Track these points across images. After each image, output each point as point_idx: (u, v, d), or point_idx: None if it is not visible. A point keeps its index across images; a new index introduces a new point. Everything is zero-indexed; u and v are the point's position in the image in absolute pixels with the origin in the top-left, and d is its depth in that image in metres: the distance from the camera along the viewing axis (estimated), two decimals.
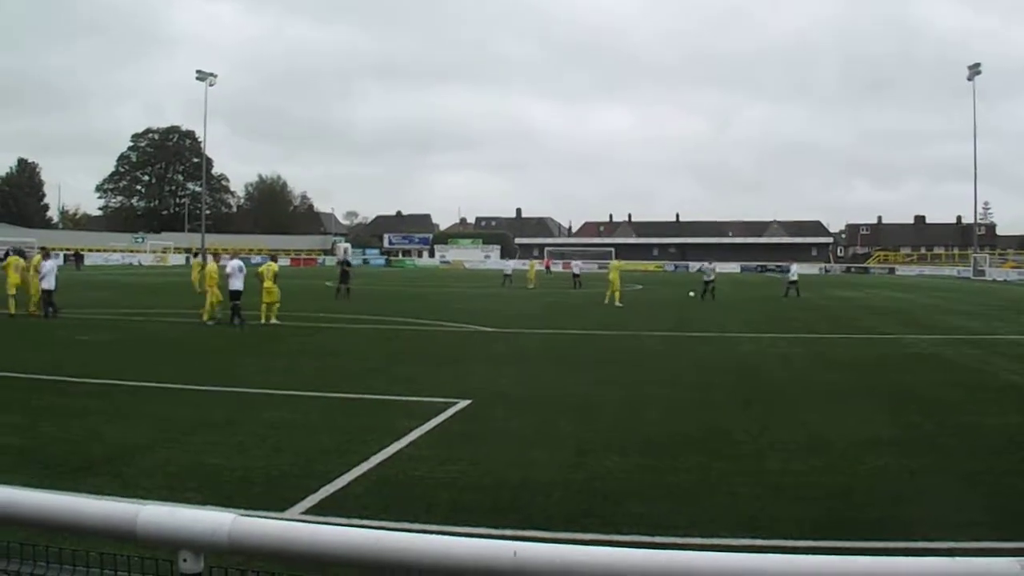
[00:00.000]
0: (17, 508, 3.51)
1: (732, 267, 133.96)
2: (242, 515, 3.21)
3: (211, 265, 33.12)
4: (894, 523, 9.09)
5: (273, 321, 31.23)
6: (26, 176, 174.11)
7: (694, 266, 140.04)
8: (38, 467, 10.90)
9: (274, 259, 34.55)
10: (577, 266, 73.09)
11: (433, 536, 2.97)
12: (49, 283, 33.30)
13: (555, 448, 12.42)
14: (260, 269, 32.41)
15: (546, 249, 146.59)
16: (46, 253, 35.95)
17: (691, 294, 52.24)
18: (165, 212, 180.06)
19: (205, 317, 31.47)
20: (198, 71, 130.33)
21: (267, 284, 31.49)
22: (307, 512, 9.21)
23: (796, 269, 60.53)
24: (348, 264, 50.40)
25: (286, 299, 31.20)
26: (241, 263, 31.67)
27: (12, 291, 33.63)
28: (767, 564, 2.73)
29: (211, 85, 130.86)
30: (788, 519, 9.16)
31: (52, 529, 3.49)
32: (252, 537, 3.16)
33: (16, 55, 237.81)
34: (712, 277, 51.44)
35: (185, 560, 3.24)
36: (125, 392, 17.04)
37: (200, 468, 11.08)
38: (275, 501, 9.50)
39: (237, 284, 30.67)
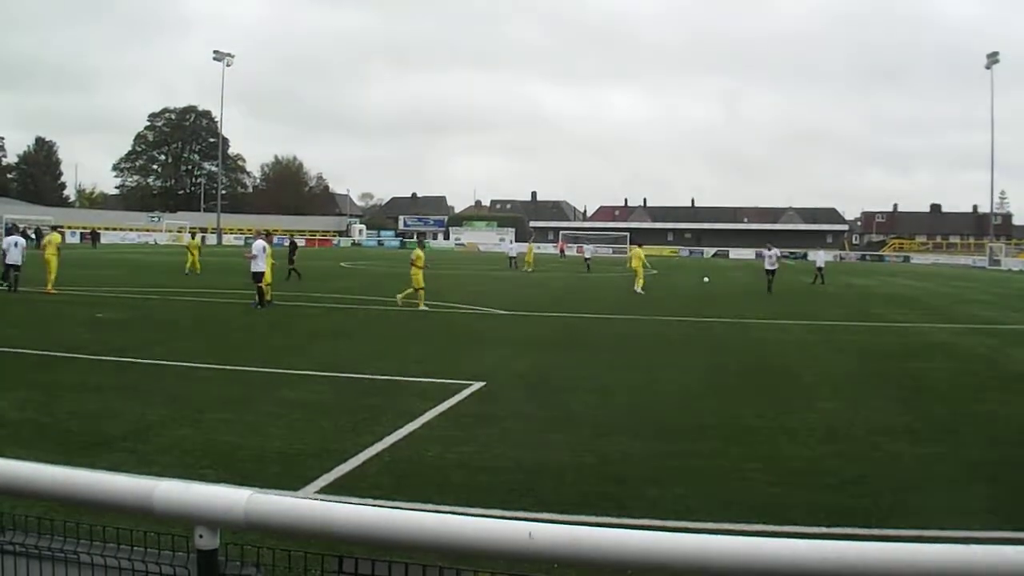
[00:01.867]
0: (37, 483, 3.52)
1: (747, 253, 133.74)
2: (258, 492, 3.22)
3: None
4: (907, 511, 9.09)
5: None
6: (43, 154, 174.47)
7: (709, 251, 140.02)
8: (55, 443, 10.98)
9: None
10: (589, 250, 73.13)
11: (448, 516, 2.97)
12: (12, 258, 34.34)
13: (569, 431, 12.44)
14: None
15: (561, 233, 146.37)
16: (10, 229, 36.47)
17: (705, 280, 52.14)
18: (181, 192, 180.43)
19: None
20: (215, 51, 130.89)
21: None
22: (321, 491, 9.24)
23: (823, 256, 60.37)
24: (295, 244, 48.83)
25: (300, 279, 31.05)
26: (265, 244, 31.26)
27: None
28: (781, 549, 2.73)
29: (228, 65, 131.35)
30: (801, 505, 9.16)
31: (70, 504, 3.50)
32: (268, 514, 3.16)
33: (34, 34, 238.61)
34: (775, 265, 47.31)
35: (201, 536, 3.25)
36: (140, 370, 17.14)
37: (215, 446, 11.14)
38: (290, 480, 9.53)
39: (260, 265, 30.24)
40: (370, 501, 8.39)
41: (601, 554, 2.77)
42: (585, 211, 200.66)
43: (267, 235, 33.84)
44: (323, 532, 3.08)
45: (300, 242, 37.39)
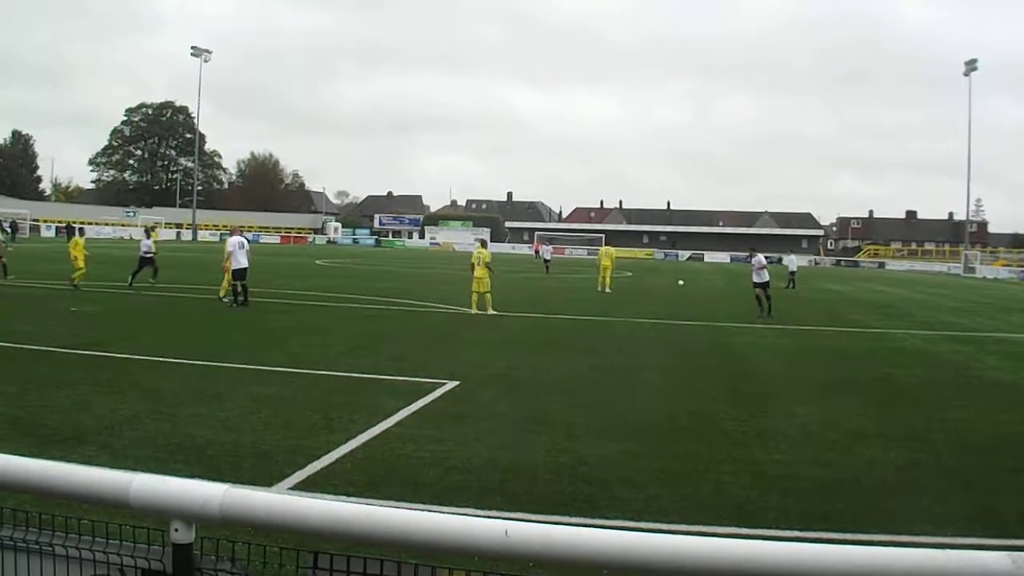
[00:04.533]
0: (13, 475, 3.51)
1: (722, 257, 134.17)
2: (234, 487, 3.22)
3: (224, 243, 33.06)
4: (881, 516, 9.12)
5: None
6: (20, 148, 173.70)
7: (684, 255, 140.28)
8: (27, 436, 10.94)
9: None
10: (547, 250, 73.16)
11: (424, 513, 2.97)
12: None
13: (543, 431, 12.45)
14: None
15: (536, 233, 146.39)
16: None
17: (680, 283, 52.32)
18: (157, 187, 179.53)
19: (221, 294, 31.18)
20: (193, 47, 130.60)
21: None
22: (295, 487, 9.24)
23: (796, 260, 60.64)
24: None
25: (274, 276, 30.98)
26: (243, 239, 31.00)
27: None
28: (758, 551, 2.74)
29: (206, 62, 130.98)
30: (776, 509, 9.21)
31: (46, 496, 3.49)
32: (244, 509, 3.16)
33: (9, 28, 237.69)
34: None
35: (176, 530, 3.24)
36: (114, 364, 17.07)
37: (188, 441, 11.12)
38: (263, 476, 9.53)
39: (242, 261, 29.96)
40: (343, 498, 8.38)
41: (577, 553, 2.78)
42: (561, 212, 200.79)
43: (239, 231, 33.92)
44: (299, 527, 3.08)
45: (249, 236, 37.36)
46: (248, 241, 31.81)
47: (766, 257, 34.93)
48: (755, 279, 33.17)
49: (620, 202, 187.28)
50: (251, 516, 3.15)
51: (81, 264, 34.44)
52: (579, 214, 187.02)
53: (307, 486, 9.31)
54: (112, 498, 3.34)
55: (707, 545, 2.74)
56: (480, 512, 8.11)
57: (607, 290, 43.36)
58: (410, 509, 3.04)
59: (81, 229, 40.92)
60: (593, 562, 2.77)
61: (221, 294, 31.06)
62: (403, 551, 2.93)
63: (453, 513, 2.94)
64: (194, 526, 3.25)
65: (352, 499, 8.24)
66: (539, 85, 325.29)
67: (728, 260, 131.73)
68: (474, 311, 30.09)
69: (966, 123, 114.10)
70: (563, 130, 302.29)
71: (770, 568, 2.68)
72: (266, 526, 3.15)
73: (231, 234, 31.95)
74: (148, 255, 36.92)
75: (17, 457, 3.55)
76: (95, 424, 11.92)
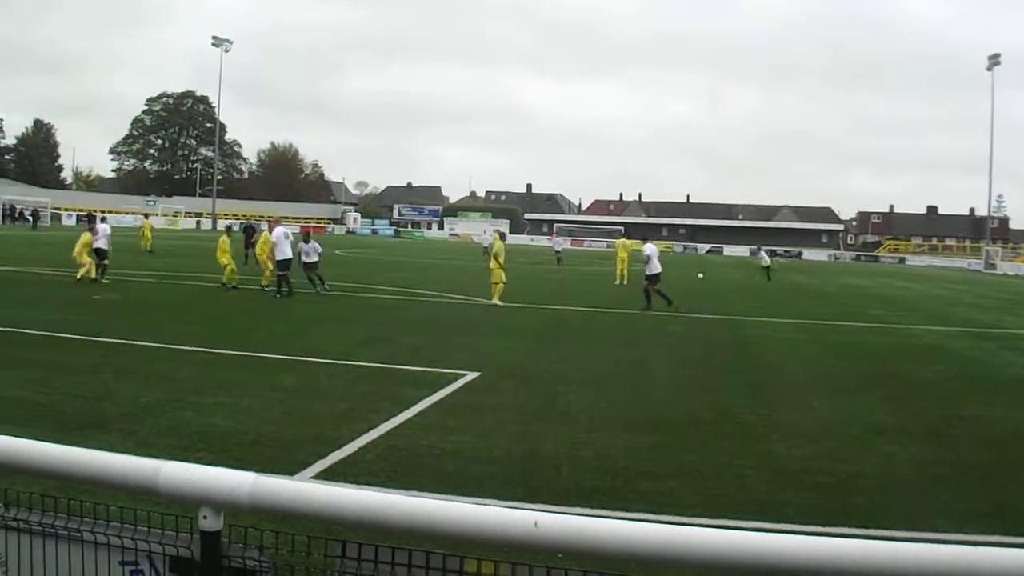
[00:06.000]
0: (42, 461, 3.54)
1: (742, 250, 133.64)
2: (263, 475, 3.24)
3: (265, 233, 32.97)
4: (900, 512, 9.11)
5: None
6: (41, 136, 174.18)
7: (703, 248, 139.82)
8: (50, 422, 10.99)
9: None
10: (559, 242, 73.01)
11: (453, 503, 2.98)
12: None
13: (564, 423, 12.47)
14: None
15: (555, 225, 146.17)
16: None
17: (700, 276, 52.21)
18: (177, 176, 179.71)
19: (264, 283, 31.31)
20: (214, 37, 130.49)
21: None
22: (316, 477, 9.26)
23: (766, 256, 60.44)
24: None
25: (293, 267, 30.88)
26: (286, 230, 31.15)
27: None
28: (785, 545, 2.74)
29: (227, 51, 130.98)
30: (796, 503, 9.18)
31: (76, 482, 3.52)
32: (273, 497, 3.17)
33: (33, 17, 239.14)
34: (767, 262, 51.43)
35: (205, 517, 3.26)
36: (137, 352, 17.16)
37: (211, 430, 11.19)
38: (285, 465, 9.54)
39: (286, 252, 30.11)
40: (366, 488, 8.40)
41: (608, 545, 2.78)
42: (580, 204, 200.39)
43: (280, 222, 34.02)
44: (328, 516, 3.10)
45: (263, 227, 36.92)
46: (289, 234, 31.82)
47: (785, 251, 34.50)
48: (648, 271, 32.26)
49: (639, 195, 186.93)
50: (280, 504, 3.16)
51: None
52: (598, 206, 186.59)
53: (329, 476, 9.33)
54: (141, 485, 3.36)
55: (738, 539, 2.74)
56: (503, 503, 8.12)
57: (624, 282, 43.23)
58: (436, 500, 3.04)
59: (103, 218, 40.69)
60: (623, 554, 2.78)
61: (264, 283, 31.19)
62: (431, 541, 2.94)
63: (475, 504, 2.95)
64: (223, 513, 3.26)
65: (374, 489, 8.26)
66: (558, 78, 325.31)
67: (748, 254, 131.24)
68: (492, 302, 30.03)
69: (987, 119, 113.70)
70: (582, 123, 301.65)
71: (802, 563, 2.68)
72: (295, 514, 3.16)
73: (273, 226, 32.00)
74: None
75: (46, 443, 3.58)
76: (117, 412, 11.99)
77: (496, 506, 3.07)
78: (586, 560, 2.84)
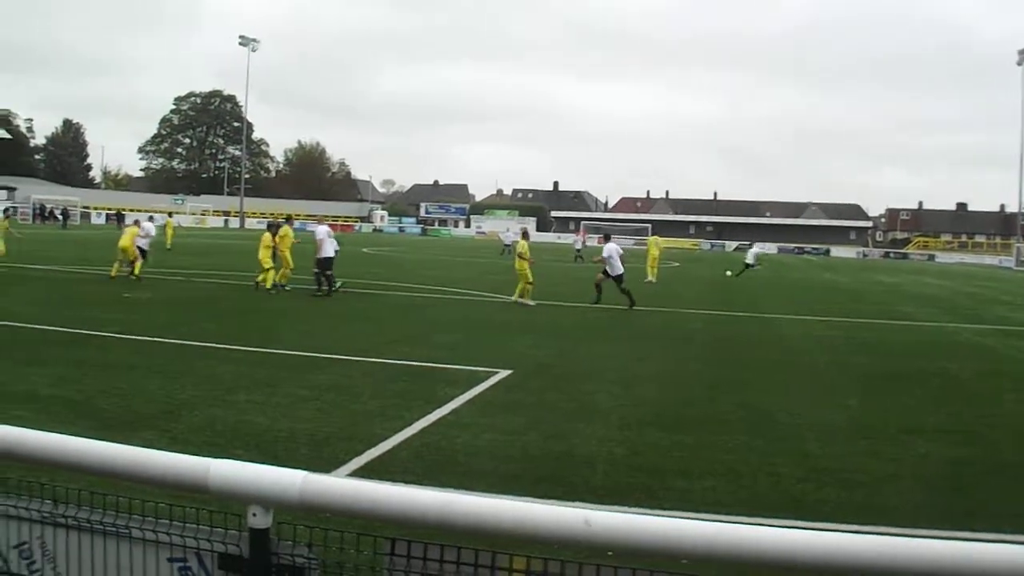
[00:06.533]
0: (91, 458, 3.56)
1: (770, 248, 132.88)
2: (313, 473, 3.24)
3: (286, 228, 32.95)
4: (937, 511, 9.05)
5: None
6: (70, 136, 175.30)
7: (730, 245, 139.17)
8: (88, 419, 11.06)
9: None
10: (579, 240, 72.71)
11: (503, 500, 2.98)
12: None
13: (597, 421, 12.45)
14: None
15: (582, 223, 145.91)
16: None
17: (728, 273, 52.07)
18: (205, 175, 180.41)
19: (273, 280, 30.65)
20: (241, 37, 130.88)
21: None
22: (353, 474, 9.26)
23: (756, 251, 59.33)
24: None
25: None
26: (329, 229, 31.05)
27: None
28: (834, 544, 2.73)
29: (254, 51, 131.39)
30: (833, 502, 9.13)
31: (125, 480, 3.54)
32: (323, 495, 3.18)
33: (61, 18, 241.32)
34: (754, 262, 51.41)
35: (255, 515, 3.27)
36: (170, 350, 17.26)
37: (246, 427, 11.24)
38: (321, 463, 9.55)
39: (328, 251, 29.97)
40: (416, 487, 8.39)
41: (659, 543, 2.77)
42: (607, 202, 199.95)
43: (288, 220, 34.03)
44: (378, 514, 3.10)
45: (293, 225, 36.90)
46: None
47: (813, 249, 34.03)
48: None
49: (666, 192, 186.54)
50: (330, 502, 3.17)
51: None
52: (625, 204, 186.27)
53: (365, 473, 9.34)
54: (191, 483, 3.38)
55: (789, 537, 2.73)
56: (542, 501, 8.11)
57: (652, 280, 43.08)
58: (487, 498, 3.04)
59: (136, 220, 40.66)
60: (675, 552, 2.77)
61: (268, 284, 30.93)
62: (481, 539, 2.94)
63: (525, 502, 2.94)
64: (272, 511, 3.27)
65: (410, 487, 8.27)
66: (585, 76, 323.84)
67: (776, 251, 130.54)
68: (521, 300, 29.83)
69: (1017, 114, 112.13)
70: (609, 121, 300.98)
71: (850, 561, 2.68)
72: (346, 512, 3.17)
73: (319, 223, 31.96)
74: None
75: (95, 440, 3.60)
76: (152, 409, 12.05)
77: (541, 504, 3.06)
78: (636, 557, 2.83)
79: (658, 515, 2.92)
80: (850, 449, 11.48)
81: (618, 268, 30.40)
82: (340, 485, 3.26)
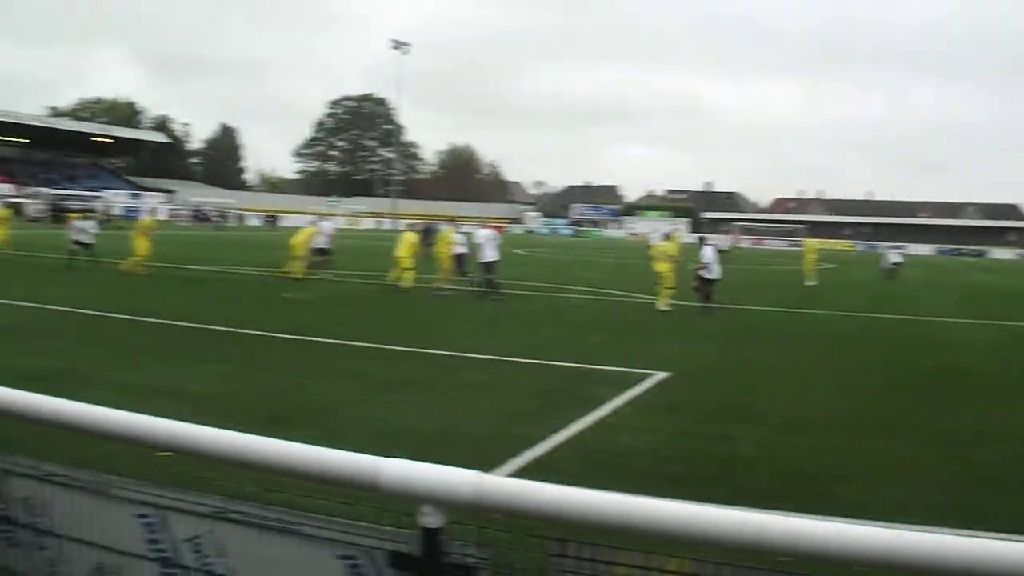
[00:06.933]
0: (264, 456, 3.60)
1: (926, 249, 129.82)
2: (487, 474, 3.22)
3: (444, 233, 33.13)
4: None
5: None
6: (227, 140, 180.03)
7: (886, 246, 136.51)
8: (245, 416, 11.19)
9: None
10: (724, 241, 71.90)
11: (679, 504, 2.92)
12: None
13: (755, 424, 12.27)
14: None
15: (735, 224, 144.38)
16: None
17: (887, 276, 51.13)
18: (357, 177, 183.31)
19: (440, 284, 30.74)
20: (393, 40, 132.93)
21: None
22: (511, 475, 9.23)
23: (894, 255, 57.37)
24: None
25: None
26: (494, 232, 31.10)
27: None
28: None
29: (405, 55, 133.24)
30: (1008, 511, 8.81)
31: (297, 477, 3.57)
32: (496, 495, 3.15)
33: (219, 26, 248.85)
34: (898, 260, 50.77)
35: (427, 514, 3.26)
36: (324, 349, 17.55)
37: (400, 426, 11.33)
38: (477, 462, 9.48)
39: (490, 254, 29.95)
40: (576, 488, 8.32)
41: (836, 549, 2.70)
42: (760, 203, 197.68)
43: (451, 222, 34.27)
44: (554, 516, 3.06)
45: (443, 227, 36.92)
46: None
47: (971, 250, 32.82)
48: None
49: (821, 192, 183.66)
50: (503, 502, 3.14)
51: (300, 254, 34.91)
52: (779, 204, 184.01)
53: (523, 474, 9.29)
54: (363, 482, 3.39)
55: (972, 545, 2.61)
56: (704, 504, 7.99)
57: (812, 283, 42.34)
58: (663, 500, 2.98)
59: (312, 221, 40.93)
60: (852, 558, 2.68)
61: (438, 286, 30.98)
62: (655, 541, 2.88)
63: (702, 506, 2.88)
64: (444, 511, 3.26)
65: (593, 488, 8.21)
66: (737, 74, 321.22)
67: (932, 252, 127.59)
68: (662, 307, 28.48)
69: None
70: (762, 120, 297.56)
71: None
72: (520, 513, 3.14)
73: (484, 229, 32.08)
74: None
75: (268, 439, 3.64)
76: (307, 407, 12.25)
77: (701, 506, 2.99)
78: (813, 562, 2.74)
79: (828, 520, 2.83)
80: (1020, 453, 11.12)
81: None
82: (515, 486, 3.23)
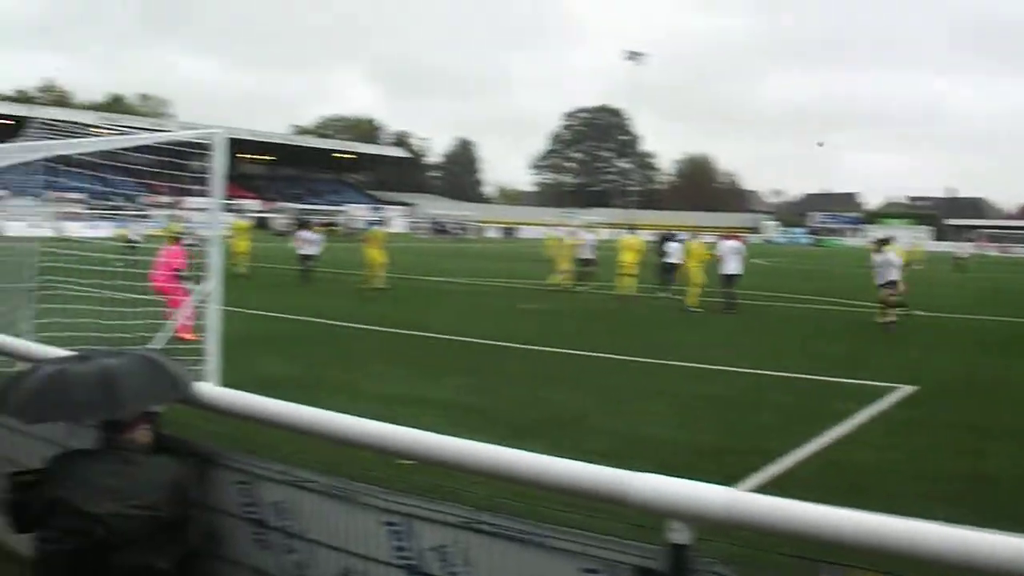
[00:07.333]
0: (512, 466, 3.62)
1: None
2: (738, 491, 3.15)
3: (695, 244, 32.66)
4: None
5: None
6: (464, 154, 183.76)
7: None
8: (487, 426, 11.34)
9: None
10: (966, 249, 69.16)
11: (968, 531, 2.81)
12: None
13: (1008, 441, 11.80)
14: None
15: (979, 230, 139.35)
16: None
17: None
18: (593, 188, 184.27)
19: (688, 302, 29.30)
20: (628, 52, 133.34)
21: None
22: (752, 490, 9.07)
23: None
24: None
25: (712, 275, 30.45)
26: (739, 245, 30.41)
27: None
28: None
29: (640, 65, 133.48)
30: None
31: (545, 489, 3.57)
32: (749, 513, 3.09)
33: (455, 44, 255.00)
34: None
35: (675, 530, 3.21)
36: (566, 360, 17.63)
37: (640, 437, 11.28)
38: (717, 476, 9.39)
39: (732, 267, 29.45)
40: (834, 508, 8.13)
41: None
42: (1007, 208, 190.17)
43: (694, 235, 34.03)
44: (812, 536, 2.98)
45: (683, 236, 36.62)
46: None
47: None
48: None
49: None
50: (757, 520, 3.08)
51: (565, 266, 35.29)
52: None
53: (766, 490, 9.08)
54: (610, 495, 3.37)
55: None
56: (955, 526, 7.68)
57: None
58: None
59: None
60: None
61: (688, 304, 29.75)
62: (918, 567, 2.77)
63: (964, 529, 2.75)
64: (693, 528, 3.21)
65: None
66: (985, 76, 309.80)
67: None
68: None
69: None
70: (1011, 122, 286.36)
71: None
72: (772, 531, 3.06)
73: (727, 239, 31.58)
74: None
75: (511, 449, 3.66)
76: (550, 418, 12.34)
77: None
78: None
79: None
80: None
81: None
82: (769, 503, 3.16)
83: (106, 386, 4.59)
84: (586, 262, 35.43)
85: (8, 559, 6.14)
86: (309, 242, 36.43)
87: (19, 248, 12.24)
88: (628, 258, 31.93)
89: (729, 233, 32.91)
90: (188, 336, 12.06)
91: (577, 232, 37.33)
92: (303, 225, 43.01)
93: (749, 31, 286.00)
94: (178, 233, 19.19)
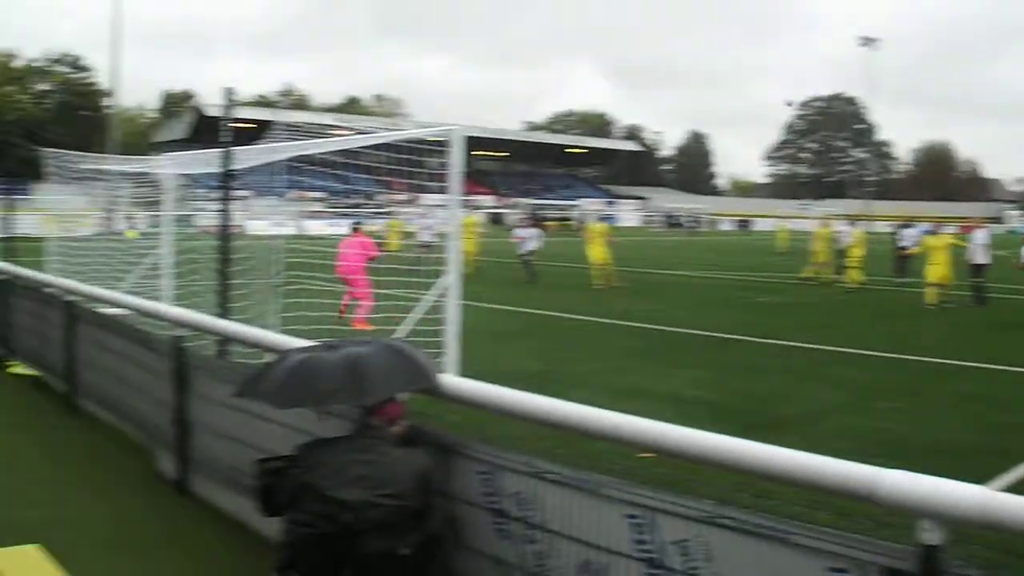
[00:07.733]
0: (755, 460, 3.61)
1: None
2: (994, 491, 3.06)
3: (939, 238, 31.25)
4: None
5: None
6: (697, 146, 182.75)
7: None
8: (727, 422, 11.21)
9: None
10: None
11: None
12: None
13: None
14: None
15: None
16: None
17: None
18: (829, 179, 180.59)
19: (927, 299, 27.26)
20: (861, 37, 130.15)
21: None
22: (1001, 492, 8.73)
23: None
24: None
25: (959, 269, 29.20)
26: (981, 233, 29.40)
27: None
28: None
29: (874, 51, 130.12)
30: None
31: (793, 484, 3.55)
32: (1007, 515, 3.00)
33: (689, 37, 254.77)
34: None
35: (927, 529, 3.15)
36: (803, 354, 17.43)
37: (885, 434, 11.03)
38: (963, 476, 9.10)
39: (979, 257, 28.33)
40: None
41: None
42: None
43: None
44: None
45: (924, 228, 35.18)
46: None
47: None
48: None
49: None
50: (1014, 522, 2.99)
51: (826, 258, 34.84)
52: None
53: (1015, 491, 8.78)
54: (859, 492, 3.33)
55: None
56: None
57: None
58: None
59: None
60: None
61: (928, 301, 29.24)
62: None
63: None
64: (946, 528, 3.14)
65: None
66: None
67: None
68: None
69: None
70: None
71: None
72: None
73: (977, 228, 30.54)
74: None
75: (754, 443, 3.64)
76: (789, 413, 12.20)
77: None
78: None
79: None
80: None
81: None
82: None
83: (353, 373, 4.76)
84: (841, 254, 34.69)
85: (257, 542, 6.42)
86: (527, 238, 36.11)
87: (263, 246, 12.72)
88: (856, 251, 31.26)
89: (971, 224, 31.54)
90: (362, 327, 12.27)
91: (833, 225, 36.54)
92: (530, 220, 43.17)
93: (985, 8, 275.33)
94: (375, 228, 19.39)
